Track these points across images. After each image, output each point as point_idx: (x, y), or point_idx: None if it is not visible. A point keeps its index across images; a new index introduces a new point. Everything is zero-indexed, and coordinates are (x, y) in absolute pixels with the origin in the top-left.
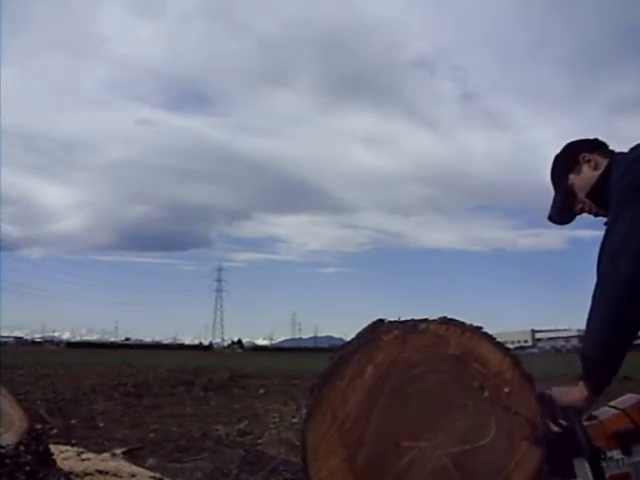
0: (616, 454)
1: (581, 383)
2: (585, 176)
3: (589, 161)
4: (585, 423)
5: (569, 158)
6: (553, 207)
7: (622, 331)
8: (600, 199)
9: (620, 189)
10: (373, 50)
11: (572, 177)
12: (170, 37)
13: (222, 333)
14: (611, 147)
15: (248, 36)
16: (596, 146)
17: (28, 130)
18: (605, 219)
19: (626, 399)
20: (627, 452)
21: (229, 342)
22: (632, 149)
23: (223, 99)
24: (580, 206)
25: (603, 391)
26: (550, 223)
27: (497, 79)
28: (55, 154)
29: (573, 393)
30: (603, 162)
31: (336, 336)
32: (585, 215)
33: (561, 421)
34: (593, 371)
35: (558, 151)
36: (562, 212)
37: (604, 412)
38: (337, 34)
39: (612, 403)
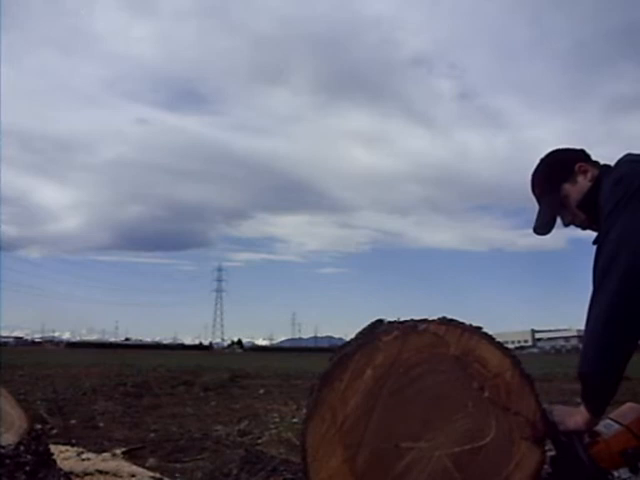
0: (623, 473)
1: (582, 406)
2: (580, 187)
3: (585, 172)
4: (588, 440)
5: (564, 167)
6: (540, 218)
7: (622, 337)
8: (590, 210)
9: (612, 203)
10: (370, 48)
11: (567, 187)
12: (165, 35)
13: (222, 333)
14: (611, 145)
15: (243, 34)
16: (587, 156)
17: (24, 129)
18: (593, 235)
19: (627, 411)
20: (635, 470)
21: (229, 342)
22: (618, 162)
23: (219, 98)
24: (570, 218)
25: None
26: (535, 235)
27: (495, 77)
28: (51, 153)
29: (575, 417)
30: (596, 173)
31: (336, 336)
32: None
33: (565, 445)
34: (593, 393)
35: (545, 160)
36: (550, 224)
37: (607, 427)
38: (333, 32)
39: (613, 416)
